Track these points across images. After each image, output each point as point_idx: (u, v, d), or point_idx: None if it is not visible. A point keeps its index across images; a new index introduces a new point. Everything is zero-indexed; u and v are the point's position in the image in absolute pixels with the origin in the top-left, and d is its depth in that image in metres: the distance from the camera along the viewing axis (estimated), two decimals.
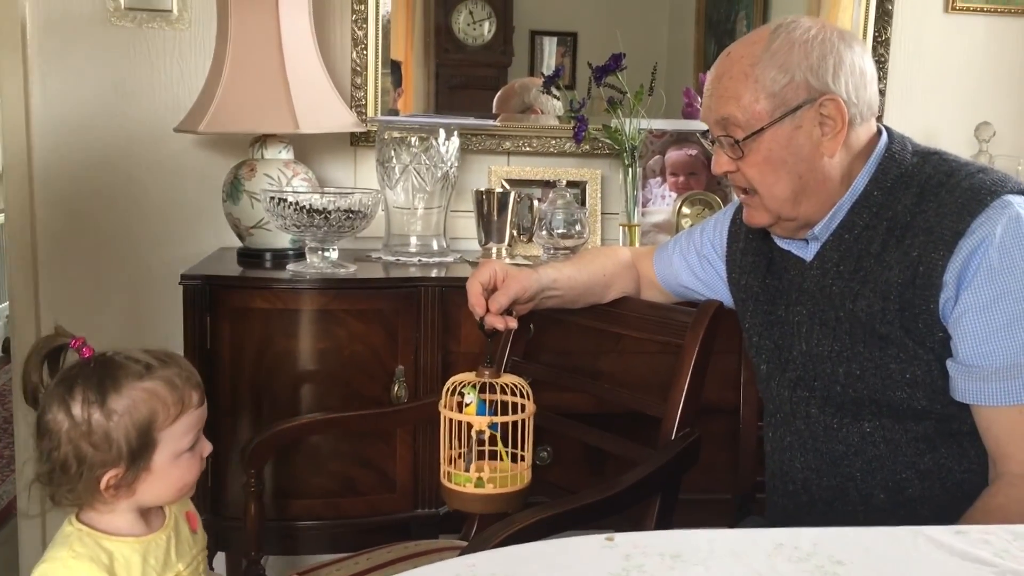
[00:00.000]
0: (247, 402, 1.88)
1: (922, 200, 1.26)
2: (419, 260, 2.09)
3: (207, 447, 1.15)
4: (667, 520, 1.43)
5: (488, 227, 2.13)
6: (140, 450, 1.07)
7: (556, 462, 1.92)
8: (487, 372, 1.37)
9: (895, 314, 1.25)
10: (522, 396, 1.38)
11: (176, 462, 1.10)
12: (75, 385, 1.07)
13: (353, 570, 1.53)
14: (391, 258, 2.10)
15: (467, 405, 1.34)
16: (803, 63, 1.26)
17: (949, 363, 1.24)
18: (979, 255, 1.20)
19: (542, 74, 2.35)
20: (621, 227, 2.26)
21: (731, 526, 1.60)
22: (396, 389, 1.89)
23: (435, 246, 2.14)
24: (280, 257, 2.05)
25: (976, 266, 1.20)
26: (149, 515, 1.14)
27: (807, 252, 1.37)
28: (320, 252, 1.93)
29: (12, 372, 2.32)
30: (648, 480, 1.37)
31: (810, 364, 1.35)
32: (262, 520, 1.59)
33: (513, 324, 1.44)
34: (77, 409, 1.06)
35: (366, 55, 2.24)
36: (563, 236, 2.12)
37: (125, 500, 1.09)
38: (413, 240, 2.13)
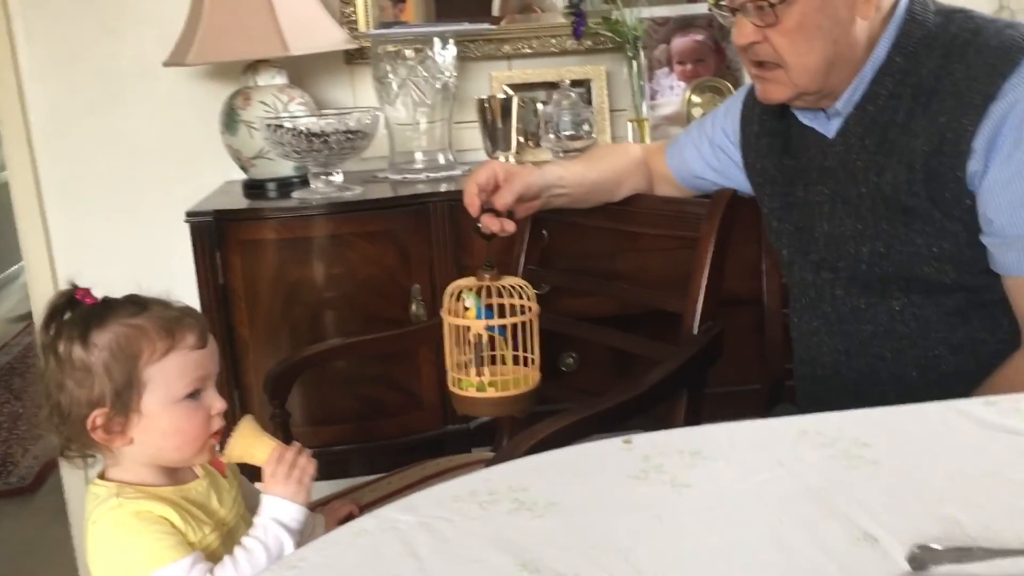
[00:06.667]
0: (265, 334, 1.87)
1: (948, 62, 1.19)
2: (426, 176, 2.04)
3: (218, 404, 1.09)
4: (696, 416, 1.41)
5: (494, 136, 2.07)
6: (125, 387, 1.03)
7: (582, 368, 1.90)
8: (487, 276, 1.34)
9: (921, 184, 1.19)
10: (527, 298, 1.35)
11: (171, 408, 1.05)
12: (62, 328, 1.05)
13: (387, 490, 1.54)
14: (398, 176, 2.06)
15: (467, 309, 1.32)
16: None
17: (983, 237, 1.18)
18: (1012, 120, 1.13)
19: None
20: (630, 123, 2.19)
21: (763, 416, 1.58)
22: (414, 308, 1.87)
23: (441, 160, 2.09)
24: (285, 186, 2.01)
25: (1007, 131, 1.13)
26: (176, 471, 1.11)
27: (829, 128, 1.30)
28: (324, 176, 1.89)
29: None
30: (671, 378, 1.35)
31: (832, 245, 1.31)
32: None
33: (510, 227, 1.38)
34: (61, 347, 1.04)
35: None
36: (571, 138, 2.06)
37: (126, 448, 1.06)
38: (418, 156, 2.08)
